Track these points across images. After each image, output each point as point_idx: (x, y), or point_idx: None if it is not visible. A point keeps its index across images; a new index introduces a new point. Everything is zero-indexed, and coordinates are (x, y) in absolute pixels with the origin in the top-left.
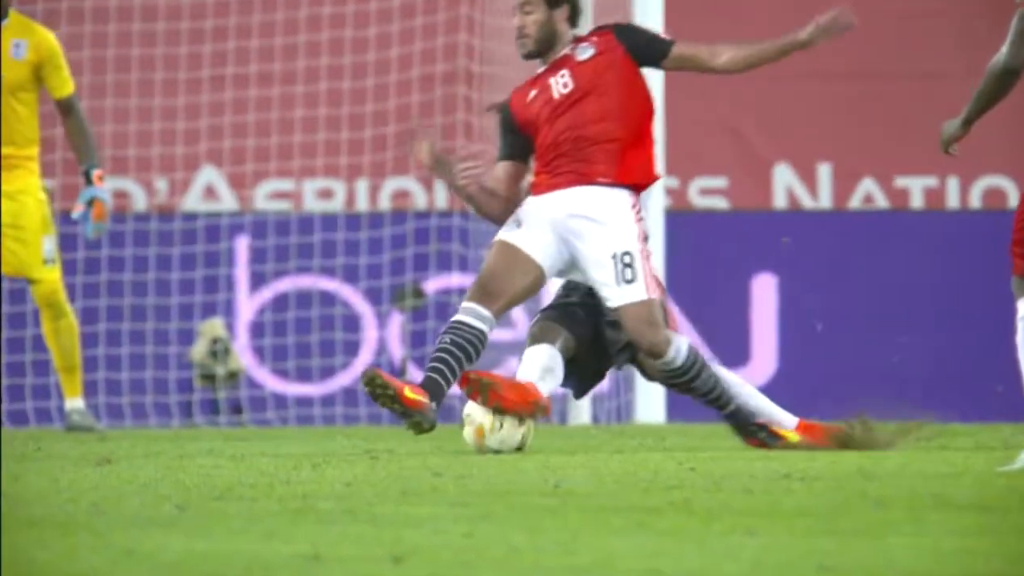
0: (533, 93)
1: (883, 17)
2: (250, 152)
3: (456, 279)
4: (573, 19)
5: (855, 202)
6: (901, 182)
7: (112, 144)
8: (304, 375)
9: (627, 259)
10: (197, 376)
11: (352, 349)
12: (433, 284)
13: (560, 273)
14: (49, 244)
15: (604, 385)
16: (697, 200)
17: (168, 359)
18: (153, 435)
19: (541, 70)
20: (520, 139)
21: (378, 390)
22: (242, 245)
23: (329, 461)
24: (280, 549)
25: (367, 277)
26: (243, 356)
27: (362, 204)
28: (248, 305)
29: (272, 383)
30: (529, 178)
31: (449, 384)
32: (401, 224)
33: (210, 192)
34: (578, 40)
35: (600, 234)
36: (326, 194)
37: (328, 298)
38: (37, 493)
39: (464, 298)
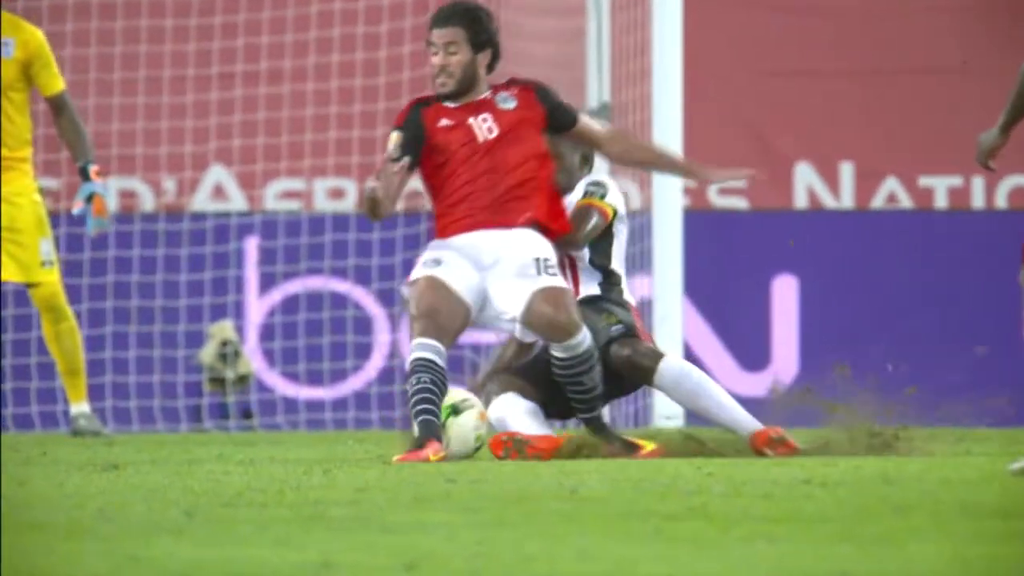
0: (446, 122)
1: (908, 12)
2: (260, 151)
3: None
4: (492, 65)
5: (878, 202)
6: (925, 181)
7: (119, 143)
8: (315, 379)
9: (549, 263)
10: (206, 380)
11: (364, 352)
12: None
13: (480, 314)
14: (46, 246)
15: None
16: (716, 200)
17: (176, 362)
18: (161, 440)
19: (452, 106)
20: (416, 149)
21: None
22: (252, 246)
23: (340, 467)
24: (290, 557)
25: (379, 279)
26: (253, 359)
27: None
28: (258, 307)
29: (282, 387)
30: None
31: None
32: (415, 224)
33: (219, 192)
34: (496, 88)
35: (522, 250)
36: (337, 193)
37: (339, 300)
38: (42, 498)
39: (417, 333)
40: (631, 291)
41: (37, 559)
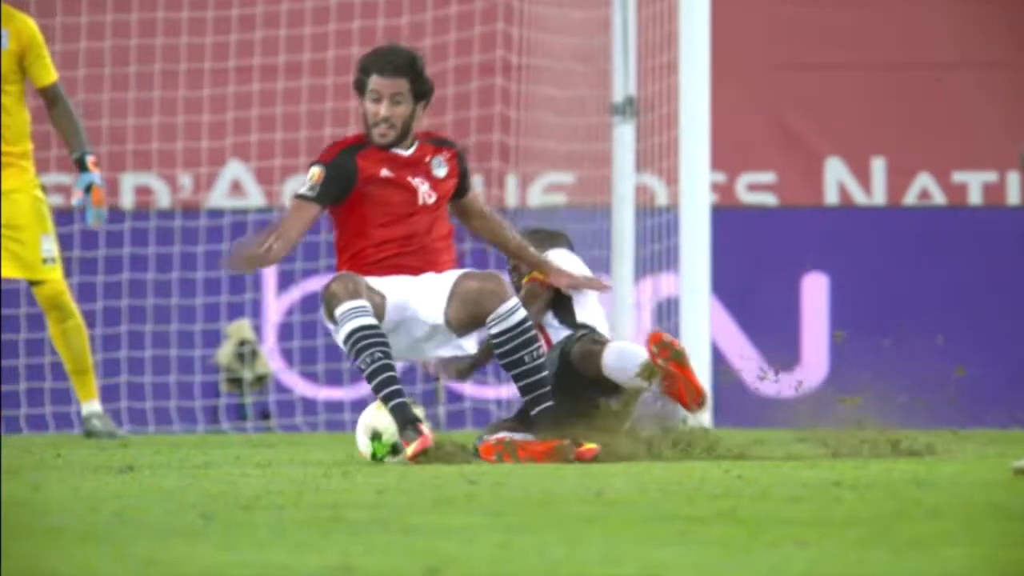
0: (387, 173)
1: (940, 5)
2: (278, 146)
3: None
4: (423, 110)
5: (910, 198)
6: (959, 177)
7: (134, 138)
8: (334, 379)
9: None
10: (223, 380)
11: None
12: None
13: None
14: (48, 243)
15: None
16: (744, 196)
17: (193, 362)
18: (177, 441)
19: (389, 155)
20: (338, 194)
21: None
22: None
23: (360, 468)
24: (309, 560)
25: None
26: (271, 359)
27: None
28: (276, 306)
29: (301, 387)
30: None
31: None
32: None
33: (236, 188)
34: (422, 141)
35: (442, 275)
36: None
37: None
38: (57, 501)
39: (343, 296)
40: (656, 291)
41: (52, 564)
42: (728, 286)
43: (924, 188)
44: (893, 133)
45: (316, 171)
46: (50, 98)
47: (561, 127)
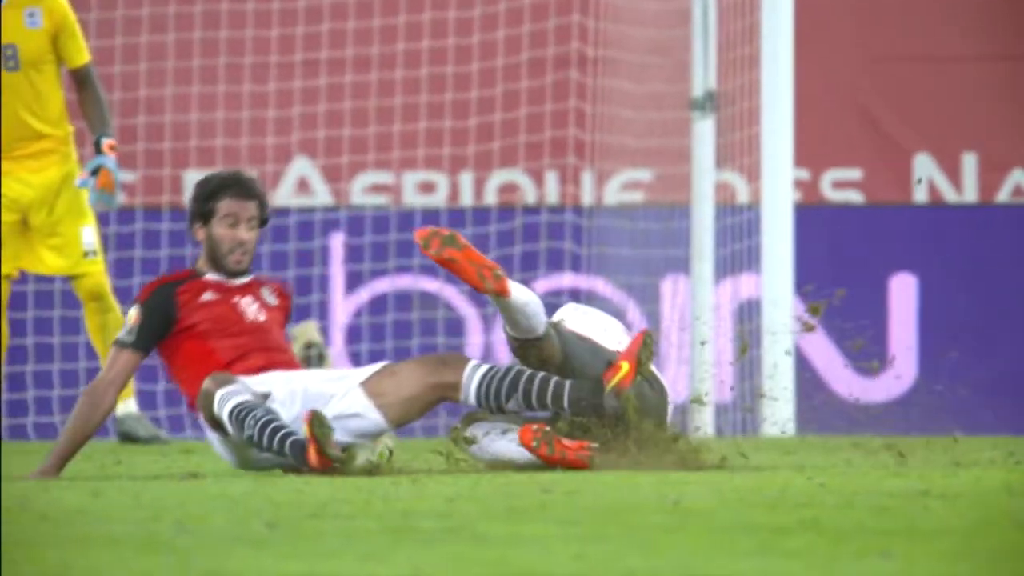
0: (210, 296)
1: None
2: (346, 142)
3: (568, 279)
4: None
5: (1003, 195)
6: None
7: (198, 133)
8: None
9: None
10: None
11: None
12: (543, 285)
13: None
14: (89, 235)
15: (728, 396)
16: (830, 194)
17: None
18: None
19: (217, 280)
20: (157, 336)
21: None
22: (337, 242)
23: (430, 476)
24: (378, 571)
25: None
26: (338, 362)
27: (466, 198)
28: (344, 307)
29: None
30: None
31: None
32: (509, 220)
33: (303, 185)
34: (258, 278)
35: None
36: (428, 187)
37: (430, 299)
38: (118, 509)
39: (216, 386)
40: (736, 292)
41: (112, 574)
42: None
43: (1018, 184)
44: (985, 127)
45: (132, 313)
46: (81, 79)
47: (638, 122)
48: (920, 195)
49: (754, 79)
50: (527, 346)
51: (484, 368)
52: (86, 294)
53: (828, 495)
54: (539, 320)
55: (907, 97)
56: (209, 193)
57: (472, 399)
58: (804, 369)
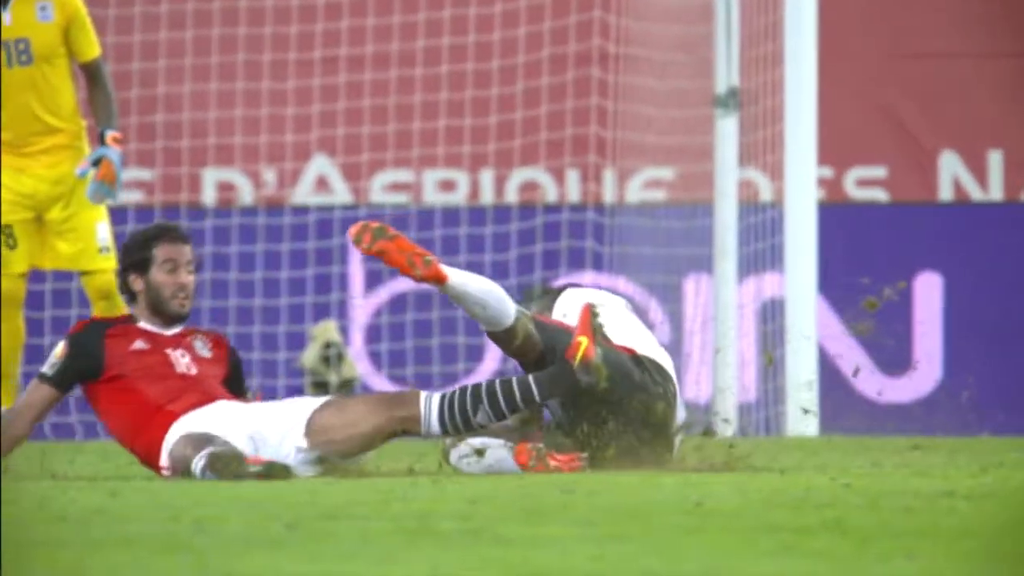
0: (140, 345)
1: None
2: (365, 140)
3: (589, 278)
4: None
5: None
6: None
7: (216, 131)
8: (424, 382)
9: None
10: (308, 383)
11: (476, 354)
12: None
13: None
14: (103, 231)
15: (752, 396)
16: (853, 192)
17: (277, 365)
18: None
19: (149, 329)
20: (85, 373)
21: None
22: None
23: (449, 477)
24: (396, 572)
25: (492, 275)
26: (358, 362)
27: (487, 196)
28: (363, 306)
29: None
30: None
31: None
32: (530, 218)
33: (322, 183)
34: (193, 328)
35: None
36: (448, 185)
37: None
38: (135, 510)
39: (193, 449)
40: (759, 291)
41: (129, 574)
42: (836, 286)
43: None
44: (1011, 125)
45: (60, 346)
46: (91, 73)
47: (661, 120)
48: (945, 193)
49: (778, 76)
50: (499, 339)
51: (439, 396)
52: (95, 292)
53: (852, 496)
54: (501, 311)
55: (932, 94)
56: (144, 242)
57: (436, 428)
58: (829, 370)
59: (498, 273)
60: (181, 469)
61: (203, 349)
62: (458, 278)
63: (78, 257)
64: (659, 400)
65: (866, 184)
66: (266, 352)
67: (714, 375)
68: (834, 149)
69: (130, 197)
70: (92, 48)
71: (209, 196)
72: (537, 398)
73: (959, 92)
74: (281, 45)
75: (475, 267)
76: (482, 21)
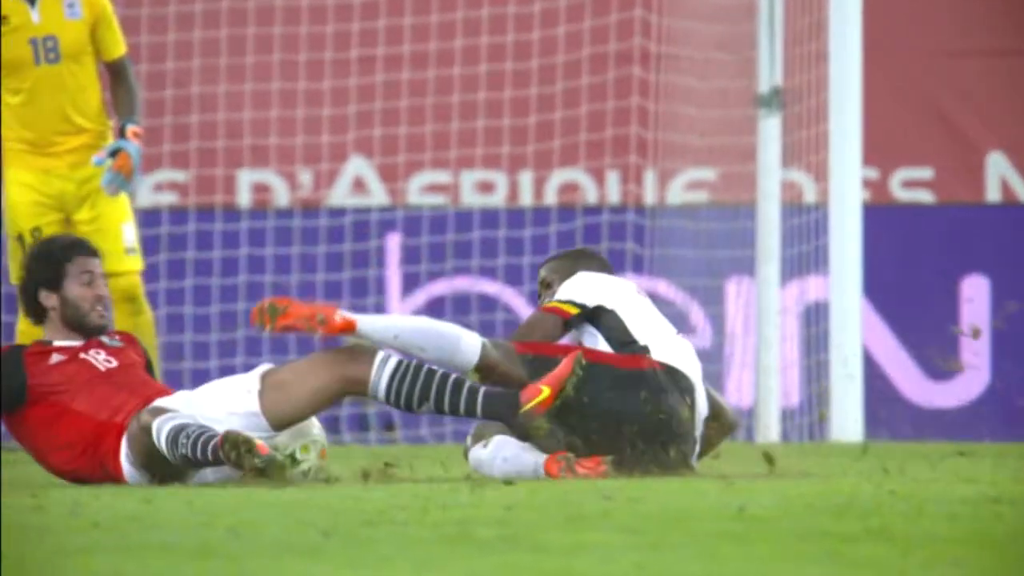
0: (58, 358)
1: None
2: (403, 141)
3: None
4: None
5: None
6: None
7: (251, 132)
8: None
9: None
10: None
11: None
12: None
13: None
14: (130, 233)
15: (795, 400)
16: (899, 193)
17: None
18: None
19: (60, 344)
20: (14, 395)
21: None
22: (394, 243)
23: (488, 482)
24: None
25: (531, 279)
26: None
27: (526, 198)
28: (401, 309)
29: None
30: None
31: None
32: (569, 220)
33: (359, 185)
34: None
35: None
36: (486, 187)
37: (488, 302)
38: (170, 516)
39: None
40: (803, 294)
41: None
42: (882, 289)
43: None
44: None
45: None
46: (116, 71)
47: (703, 120)
48: (993, 194)
49: (821, 75)
50: (481, 378)
51: (393, 363)
52: (120, 294)
53: (897, 502)
54: (451, 351)
55: (980, 93)
56: (56, 256)
57: (381, 395)
58: (874, 375)
59: (537, 275)
60: (143, 440)
61: (112, 342)
62: (373, 324)
63: (104, 259)
64: (663, 419)
65: (912, 185)
66: (302, 355)
67: (756, 379)
68: (879, 150)
69: (164, 199)
70: (118, 46)
71: (244, 198)
72: (479, 415)
73: (1007, 91)
74: (317, 44)
75: (513, 269)
76: (521, 20)
